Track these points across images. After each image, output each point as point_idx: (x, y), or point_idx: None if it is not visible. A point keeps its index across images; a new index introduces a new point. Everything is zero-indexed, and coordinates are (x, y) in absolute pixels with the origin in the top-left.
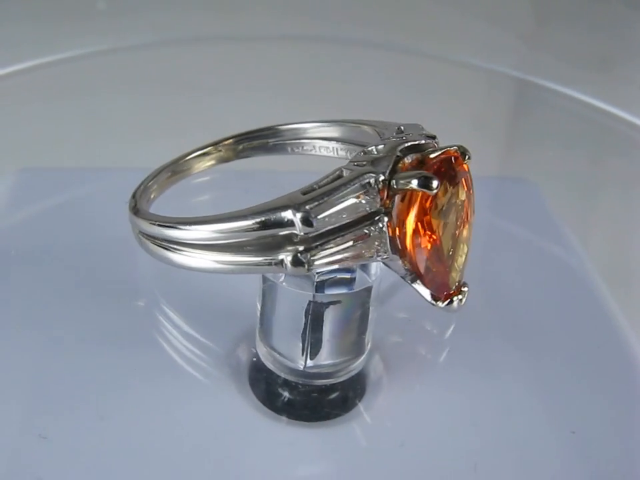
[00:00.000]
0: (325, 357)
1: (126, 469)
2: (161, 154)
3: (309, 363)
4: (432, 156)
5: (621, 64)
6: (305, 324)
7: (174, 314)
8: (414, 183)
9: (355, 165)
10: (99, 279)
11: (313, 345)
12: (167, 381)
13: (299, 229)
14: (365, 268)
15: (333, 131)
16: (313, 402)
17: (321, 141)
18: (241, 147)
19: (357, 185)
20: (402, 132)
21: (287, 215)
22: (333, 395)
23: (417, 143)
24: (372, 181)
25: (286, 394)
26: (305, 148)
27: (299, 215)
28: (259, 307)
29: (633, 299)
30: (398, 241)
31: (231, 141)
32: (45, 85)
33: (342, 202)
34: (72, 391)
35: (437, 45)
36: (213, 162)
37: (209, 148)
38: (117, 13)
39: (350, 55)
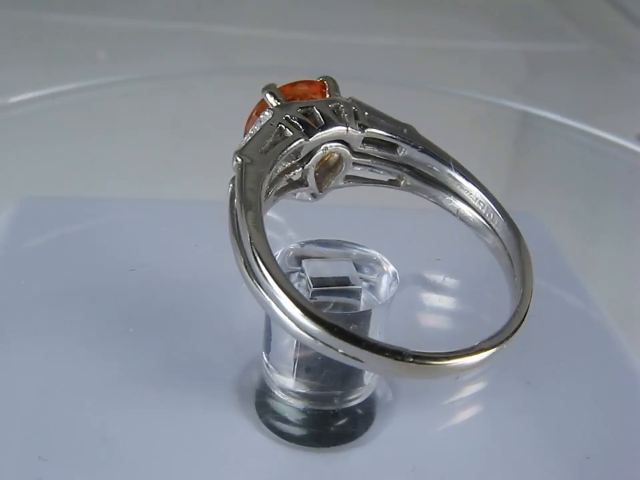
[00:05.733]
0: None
1: None
2: (164, 187)
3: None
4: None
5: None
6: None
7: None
8: None
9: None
10: (104, 311)
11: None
12: (174, 407)
13: None
14: (373, 290)
15: None
16: (322, 428)
17: None
18: None
19: None
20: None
21: None
22: (343, 421)
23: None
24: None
25: (294, 419)
26: None
27: None
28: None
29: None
30: None
31: None
32: (47, 116)
33: None
34: (74, 415)
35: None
36: None
37: None
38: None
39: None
